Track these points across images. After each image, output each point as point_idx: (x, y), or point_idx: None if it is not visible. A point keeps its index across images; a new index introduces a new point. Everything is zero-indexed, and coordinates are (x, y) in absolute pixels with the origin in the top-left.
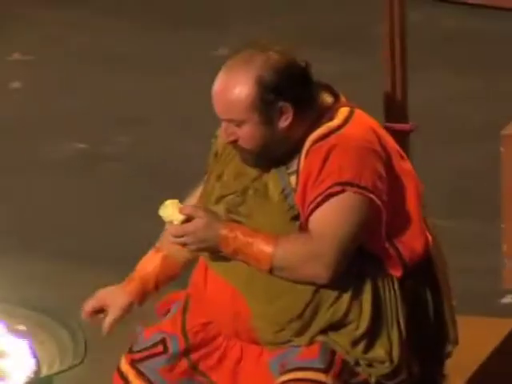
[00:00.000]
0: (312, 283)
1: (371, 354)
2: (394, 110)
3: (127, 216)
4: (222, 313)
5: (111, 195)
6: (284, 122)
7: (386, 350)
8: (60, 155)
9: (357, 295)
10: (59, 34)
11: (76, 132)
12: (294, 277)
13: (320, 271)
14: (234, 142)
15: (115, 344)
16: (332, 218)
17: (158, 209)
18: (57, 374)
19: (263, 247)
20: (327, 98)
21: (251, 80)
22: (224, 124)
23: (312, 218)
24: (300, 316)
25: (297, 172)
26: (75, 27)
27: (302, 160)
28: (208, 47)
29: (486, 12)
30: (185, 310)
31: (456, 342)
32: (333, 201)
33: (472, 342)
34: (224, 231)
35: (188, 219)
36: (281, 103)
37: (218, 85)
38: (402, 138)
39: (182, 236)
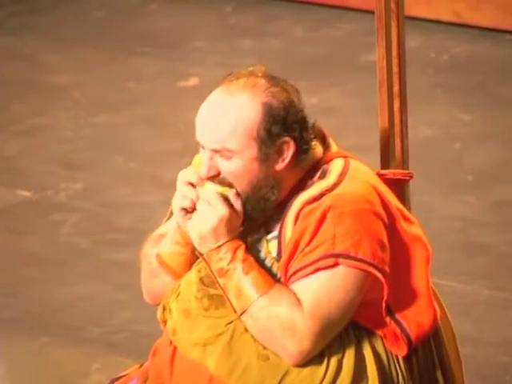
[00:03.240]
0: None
1: None
2: (390, 153)
3: (69, 274)
4: None
5: (53, 250)
6: (281, 164)
7: None
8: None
9: (361, 377)
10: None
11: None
12: (260, 335)
13: (289, 344)
14: (214, 178)
15: None
16: (319, 294)
17: (104, 268)
18: None
19: (251, 288)
20: (316, 146)
21: (258, 105)
22: (206, 155)
23: (296, 287)
24: None
25: (279, 238)
26: (10, 55)
27: (287, 224)
28: (170, 78)
29: (496, 36)
30: None
31: None
32: (323, 275)
33: None
34: (233, 242)
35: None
36: (285, 139)
37: (209, 106)
38: (398, 185)
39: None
